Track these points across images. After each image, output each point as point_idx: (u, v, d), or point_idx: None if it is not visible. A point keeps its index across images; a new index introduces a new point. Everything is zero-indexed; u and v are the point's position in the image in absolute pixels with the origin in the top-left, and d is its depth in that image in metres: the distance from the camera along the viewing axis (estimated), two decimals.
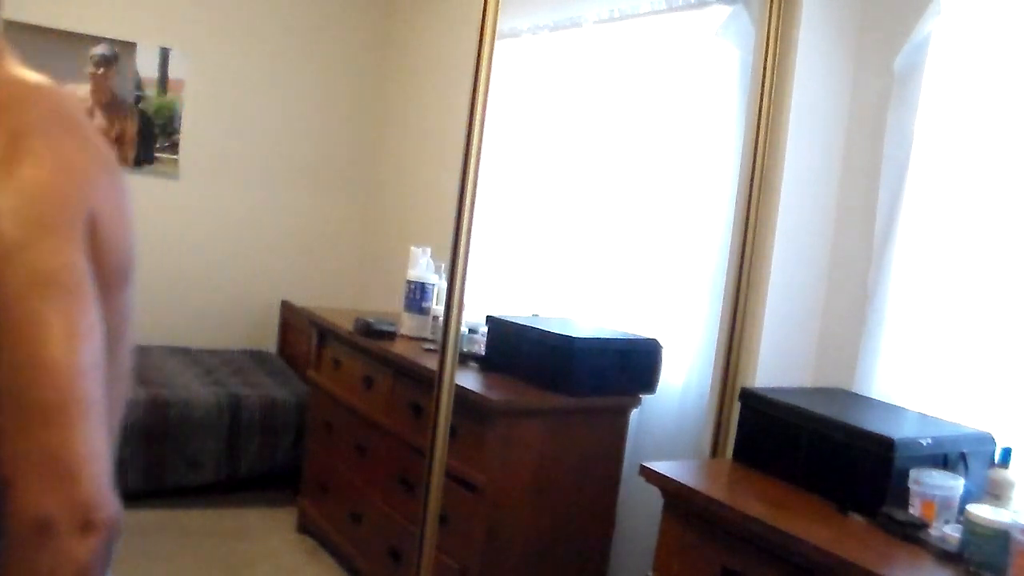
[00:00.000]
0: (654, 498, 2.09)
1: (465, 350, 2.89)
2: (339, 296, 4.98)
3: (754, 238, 2.47)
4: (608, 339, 2.68)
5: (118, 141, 4.36)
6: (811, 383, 2.54)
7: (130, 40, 4.33)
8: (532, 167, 3.54)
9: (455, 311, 2.18)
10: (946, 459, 1.91)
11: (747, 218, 2.47)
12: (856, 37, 2.51)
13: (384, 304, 4.38)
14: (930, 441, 1.89)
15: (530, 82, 3.59)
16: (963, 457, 1.92)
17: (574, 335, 2.61)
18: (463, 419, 2.53)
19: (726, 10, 2.74)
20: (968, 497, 1.80)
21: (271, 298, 4.84)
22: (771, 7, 2.44)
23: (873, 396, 2.32)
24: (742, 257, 2.48)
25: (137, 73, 4.37)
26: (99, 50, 4.26)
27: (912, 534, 1.72)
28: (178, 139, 4.50)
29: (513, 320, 2.83)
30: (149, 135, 4.43)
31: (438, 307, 3.16)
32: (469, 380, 2.62)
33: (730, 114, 2.72)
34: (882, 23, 2.45)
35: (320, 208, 4.95)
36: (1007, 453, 1.80)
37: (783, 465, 2.07)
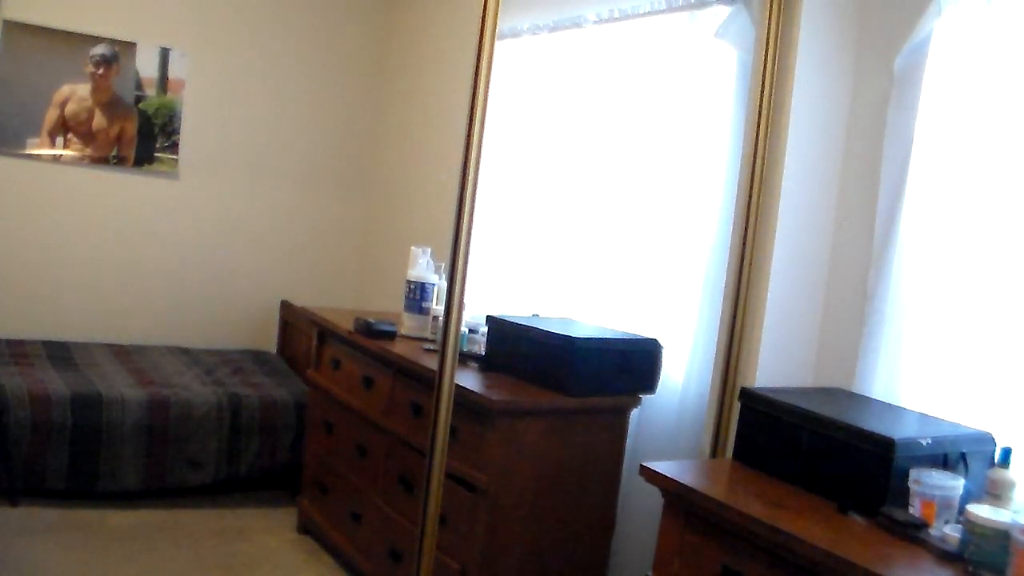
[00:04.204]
0: (654, 498, 2.09)
1: (465, 350, 2.89)
2: (339, 296, 4.98)
3: (754, 238, 2.47)
4: (608, 339, 2.68)
5: (118, 141, 4.36)
6: (811, 383, 2.54)
7: (130, 40, 4.33)
8: (532, 167, 3.54)
9: (455, 311, 2.18)
10: (946, 459, 1.91)
11: (747, 218, 2.47)
12: (856, 37, 2.51)
13: (384, 304, 4.38)
14: (930, 441, 1.89)
15: (530, 82, 3.59)
16: (963, 457, 1.92)
17: (574, 335, 2.61)
18: (463, 419, 2.53)
19: (726, 10, 2.74)
20: (968, 497, 1.80)
21: (271, 298, 4.85)
22: (771, 7, 2.44)
23: (873, 396, 2.32)
24: (742, 257, 2.48)
25: (137, 73, 4.37)
26: (99, 50, 4.26)
27: (912, 534, 1.72)
28: (178, 139, 4.50)
29: (513, 320, 2.83)
30: (149, 135, 4.43)
31: (438, 307, 3.16)
32: (469, 380, 2.62)
33: (729, 114, 2.72)
34: (882, 23, 2.45)
35: (320, 208, 4.95)
36: (1007, 453, 1.80)
37: (783, 465, 2.07)
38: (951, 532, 1.70)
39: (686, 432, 2.75)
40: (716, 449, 2.48)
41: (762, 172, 2.46)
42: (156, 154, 4.46)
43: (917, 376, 2.25)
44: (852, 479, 1.90)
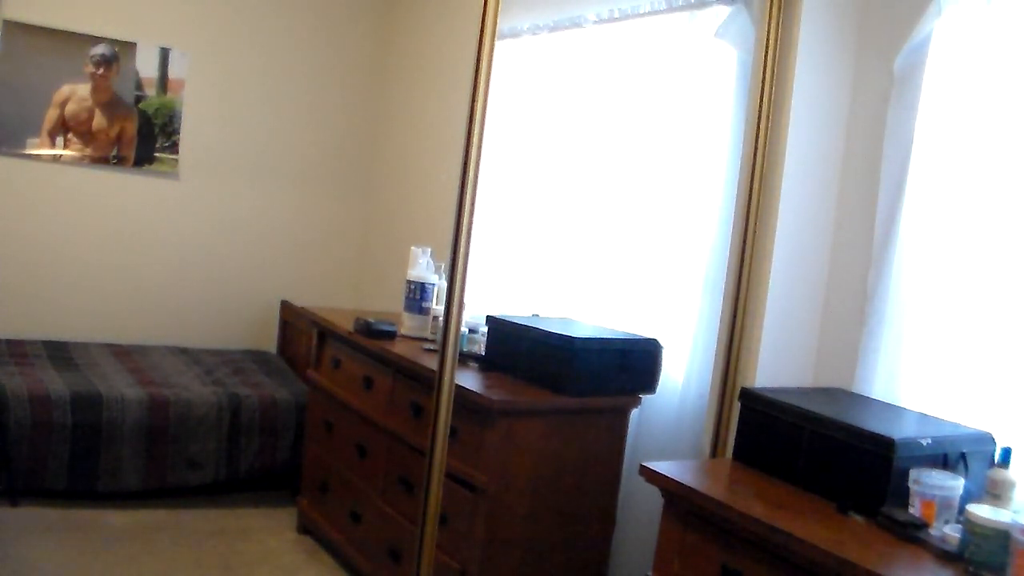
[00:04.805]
0: (654, 498, 2.09)
1: (465, 350, 2.89)
2: (339, 296, 4.98)
3: (754, 238, 2.47)
4: (608, 339, 2.68)
5: (118, 141, 4.36)
6: (811, 383, 2.54)
7: (130, 40, 4.33)
8: (532, 167, 3.54)
9: (455, 311, 2.18)
10: (946, 459, 1.91)
11: (747, 218, 2.47)
12: (856, 37, 2.51)
13: (384, 304, 4.38)
14: (930, 441, 1.89)
15: (530, 82, 3.58)
16: (963, 457, 1.92)
17: (574, 335, 2.61)
18: (463, 419, 2.53)
19: (726, 10, 2.74)
20: (968, 497, 1.80)
21: (271, 298, 4.84)
22: (771, 7, 2.44)
23: (873, 396, 2.32)
24: (742, 257, 2.48)
25: (137, 73, 4.37)
26: (99, 50, 4.26)
27: (912, 534, 1.72)
28: (178, 139, 4.50)
29: (513, 320, 2.83)
30: (149, 135, 4.43)
31: (438, 307, 3.16)
32: (469, 380, 2.62)
33: (729, 114, 2.72)
34: (882, 23, 2.45)
35: (320, 208, 4.95)
36: (1007, 453, 1.80)
37: (783, 465, 2.07)
38: (951, 532, 1.70)
39: (686, 432, 2.75)
40: (716, 449, 2.48)
41: (762, 172, 2.46)
42: (156, 154, 4.46)
43: (917, 376, 2.25)
44: (852, 479, 1.90)
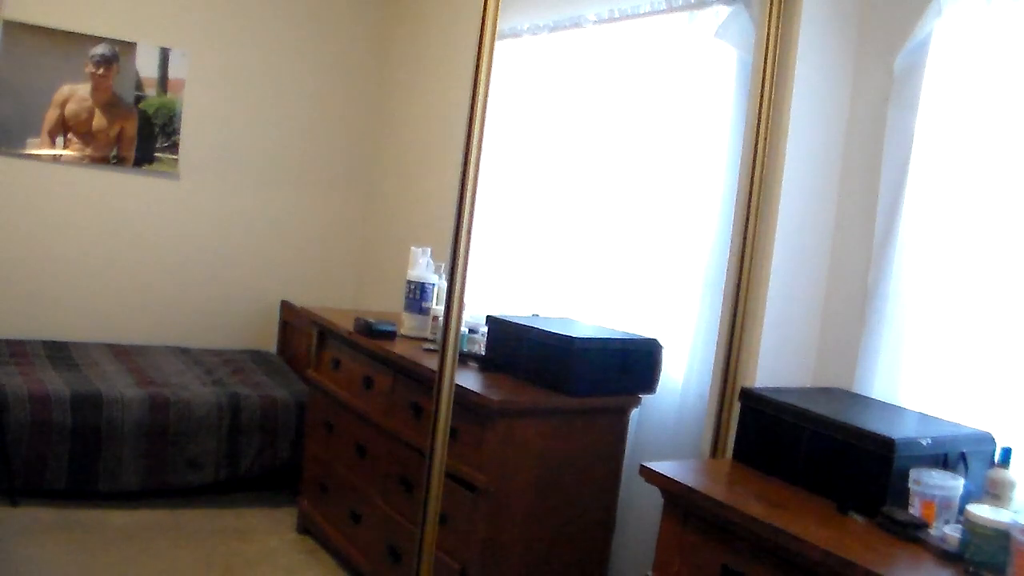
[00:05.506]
0: (654, 498, 2.09)
1: (465, 350, 2.89)
2: (339, 296, 4.98)
3: (754, 238, 2.47)
4: (608, 339, 2.68)
5: (118, 141, 4.36)
6: (811, 383, 2.54)
7: (130, 40, 4.33)
8: (532, 167, 3.54)
9: (455, 311, 2.18)
10: (946, 459, 1.91)
11: (747, 218, 2.47)
12: (856, 37, 2.51)
13: (384, 304, 4.38)
14: (930, 441, 1.89)
15: (530, 82, 3.59)
16: (963, 457, 1.92)
17: (574, 335, 2.61)
18: (463, 419, 2.53)
19: (726, 10, 2.74)
20: (968, 497, 1.80)
21: (271, 298, 4.85)
22: (771, 7, 2.44)
23: (873, 396, 2.32)
24: (742, 257, 2.48)
25: (137, 73, 4.37)
26: (99, 50, 4.26)
27: (912, 534, 1.72)
28: (178, 139, 4.50)
29: (513, 320, 2.83)
30: (149, 135, 4.43)
31: (438, 307, 3.16)
32: (469, 380, 2.62)
33: (729, 114, 2.72)
34: (882, 23, 2.45)
35: (320, 208, 4.95)
36: (1007, 453, 1.80)
37: (783, 465, 2.07)
38: (951, 532, 1.70)
39: (686, 432, 2.75)
40: (716, 449, 2.48)
41: (762, 172, 2.46)
42: (156, 154, 4.47)
43: (917, 376, 2.25)
44: (852, 479, 1.90)
